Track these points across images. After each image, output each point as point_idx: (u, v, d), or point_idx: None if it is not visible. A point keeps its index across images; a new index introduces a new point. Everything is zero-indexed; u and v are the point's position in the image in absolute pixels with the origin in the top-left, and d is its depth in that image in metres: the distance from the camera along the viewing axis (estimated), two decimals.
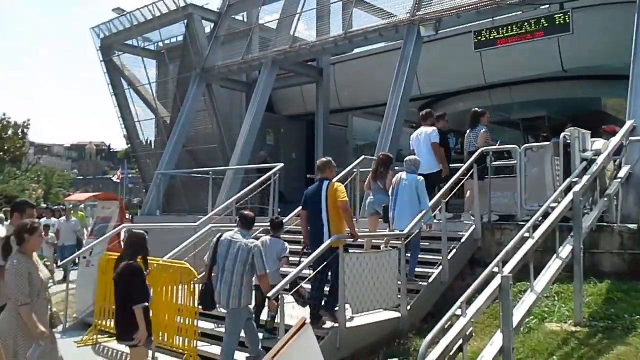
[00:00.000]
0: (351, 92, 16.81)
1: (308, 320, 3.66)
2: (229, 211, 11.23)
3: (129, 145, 21.97)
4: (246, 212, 6.34)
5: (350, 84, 16.61)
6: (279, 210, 11.00)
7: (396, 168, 8.84)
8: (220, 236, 6.11)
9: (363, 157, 10.43)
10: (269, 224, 7.19)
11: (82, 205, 16.89)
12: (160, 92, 19.67)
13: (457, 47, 13.62)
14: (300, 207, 7.00)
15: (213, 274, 6.00)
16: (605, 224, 7.34)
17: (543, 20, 11.70)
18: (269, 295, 5.60)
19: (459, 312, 5.07)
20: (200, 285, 6.25)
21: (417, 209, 7.42)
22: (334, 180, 6.75)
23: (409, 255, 7.41)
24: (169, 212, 15.99)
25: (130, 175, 57.26)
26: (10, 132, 29.53)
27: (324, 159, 6.83)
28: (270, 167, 11.50)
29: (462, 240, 8.06)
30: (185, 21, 17.23)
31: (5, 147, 27.98)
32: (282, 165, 11.55)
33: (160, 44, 19.13)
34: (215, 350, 6.23)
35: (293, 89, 17.71)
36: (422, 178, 7.77)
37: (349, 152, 18.70)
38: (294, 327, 3.53)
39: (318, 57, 16.07)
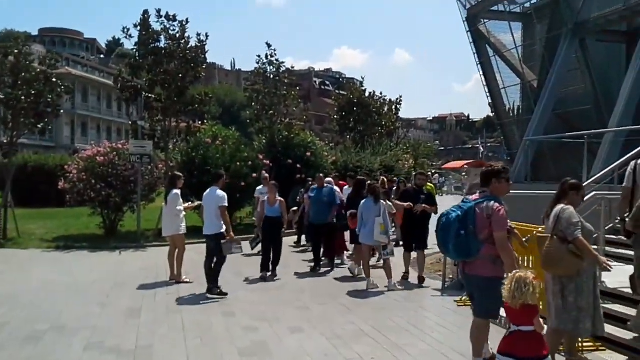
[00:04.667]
0: None
1: None
2: (609, 179, 10.00)
3: (493, 113, 22.04)
4: None
5: None
6: None
7: None
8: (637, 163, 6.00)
9: None
10: None
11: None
12: (526, 55, 19.00)
13: None
14: None
15: None
16: None
17: None
18: None
19: None
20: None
21: None
22: None
23: None
24: (535, 180, 15.39)
25: (489, 144, 57.64)
26: (385, 109, 33.10)
27: None
28: None
29: None
30: None
31: (383, 123, 31.51)
32: None
33: (527, 5, 18.40)
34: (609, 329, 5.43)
35: None
36: None
37: None
38: None
39: None
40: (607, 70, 16.01)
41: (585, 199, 7.97)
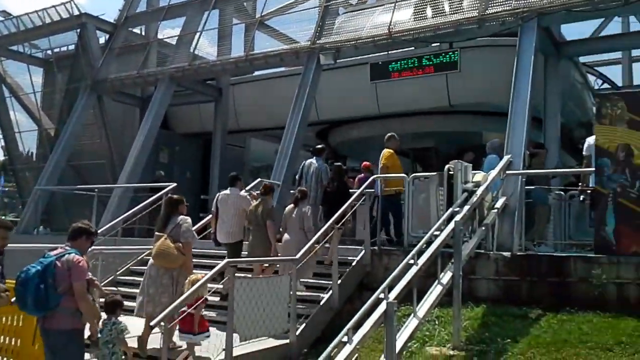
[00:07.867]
0: (250, 114, 16.73)
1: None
2: (115, 231, 10.61)
3: (6, 157, 20.37)
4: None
5: (249, 106, 16.53)
6: None
7: None
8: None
9: (259, 179, 10.37)
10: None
11: None
12: (46, 102, 18.47)
13: (354, 77, 14.04)
14: None
15: None
16: (482, 252, 7.78)
17: (434, 58, 12.36)
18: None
19: (345, 338, 5.12)
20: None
21: None
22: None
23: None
24: (49, 230, 14.96)
25: (7, 189, 52.57)
26: None
27: None
28: (162, 187, 11.06)
29: (352, 265, 8.19)
30: (78, 30, 16.42)
31: None
32: (174, 185, 11.10)
33: (49, 52, 18.06)
34: None
35: (190, 106, 17.33)
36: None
37: (246, 173, 18.53)
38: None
39: (218, 76, 15.89)
40: (123, 130, 17.09)
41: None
